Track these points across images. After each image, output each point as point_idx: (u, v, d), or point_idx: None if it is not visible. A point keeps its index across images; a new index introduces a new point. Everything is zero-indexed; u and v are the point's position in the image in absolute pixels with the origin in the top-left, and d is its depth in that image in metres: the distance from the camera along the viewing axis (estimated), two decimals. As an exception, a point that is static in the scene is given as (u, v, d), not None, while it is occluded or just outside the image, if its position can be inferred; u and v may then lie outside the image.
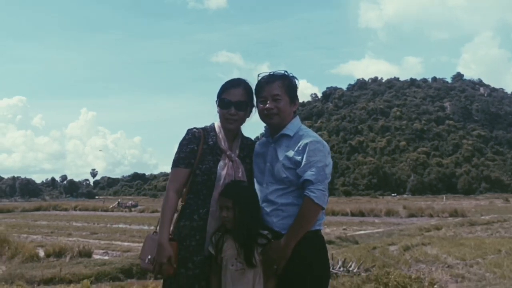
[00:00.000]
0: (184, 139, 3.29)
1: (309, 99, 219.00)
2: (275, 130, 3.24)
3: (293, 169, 3.05)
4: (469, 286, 8.92)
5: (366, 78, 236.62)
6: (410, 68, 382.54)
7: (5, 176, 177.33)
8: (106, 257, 13.24)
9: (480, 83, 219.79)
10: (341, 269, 9.99)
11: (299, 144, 3.08)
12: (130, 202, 58.67)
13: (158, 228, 3.24)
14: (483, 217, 29.84)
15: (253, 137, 3.55)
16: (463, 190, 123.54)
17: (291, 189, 3.08)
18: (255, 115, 3.33)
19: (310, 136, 3.13)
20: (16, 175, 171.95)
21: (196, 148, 3.23)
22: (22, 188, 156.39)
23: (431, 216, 32.85)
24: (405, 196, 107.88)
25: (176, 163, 3.25)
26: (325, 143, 3.15)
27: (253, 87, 3.31)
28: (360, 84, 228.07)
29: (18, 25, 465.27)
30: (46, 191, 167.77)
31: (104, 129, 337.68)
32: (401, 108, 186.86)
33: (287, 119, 3.22)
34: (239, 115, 3.26)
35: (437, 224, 23.69)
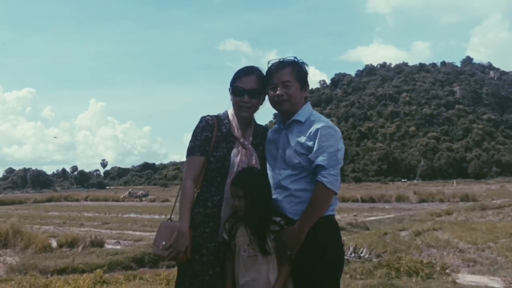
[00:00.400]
0: (197, 126, 3.28)
1: (318, 86, 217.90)
2: (286, 117, 3.24)
3: (305, 155, 3.05)
4: (481, 270, 8.91)
5: (375, 64, 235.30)
6: (418, 53, 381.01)
7: (17, 168, 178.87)
8: (118, 247, 13.34)
9: (489, 66, 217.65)
10: (353, 255, 10.02)
11: (310, 130, 3.08)
12: (140, 192, 58.93)
13: (172, 215, 3.26)
14: (494, 201, 29.73)
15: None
16: (474, 174, 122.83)
17: (303, 175, 3.07)
18: (267, 103, 3.32)
19: (321, 121, 3.12)
20: (27, 167, 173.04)
21: (210, 135, 3.23)
22: (34, 180, 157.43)
23: (442, 201, 32.78)
24: (415, 181, 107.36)
25: (191, 151, 3.24)
26: (336, 128, 3.14)
27: (264, 75, 3.31)
28: (369, 70, 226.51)
29: (26, 17, 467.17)
30: (57, 182, 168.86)
31: (113, 120, 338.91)
32: (410, 93, 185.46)
33: (298, 105, 3.21)
34: (252, 103, 3.25)
35: (448, 209, 23.66)
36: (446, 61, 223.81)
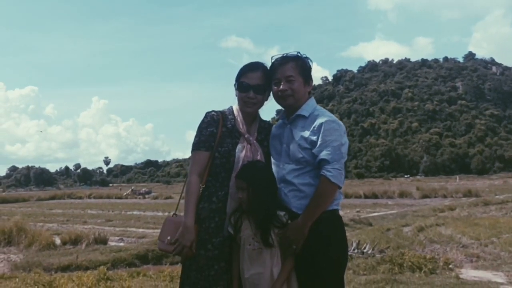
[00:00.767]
0: (203, 122, 3.29)
1: (320, 82, 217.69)
2: (290, 112, 3.24)
3: (309, 149, 3.05)
4: (484, 265, 8.91)
5: (377, 60, 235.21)
6: (421, 48, 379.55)
7: (20, 166, 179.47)
8: (122, 244, 13.37)
9: (492, 62, 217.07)
10: (356, 250, 10.03)
11: (314, 124, 3.08)
12: (143, 189, 59.04)
13: (177, 210, 3.28)
14: (497, 196, 29.71)
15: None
16: (477, 170, 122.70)
17: (307, 169, 3.07)
18: (272, 99, 3.33)
19: (325, 115, 3.12)
20: (30, 165, 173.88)
21: (215, 130, 3.24)
22: (37, 178, 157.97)
23: (444, 196, 32.78)
24: (418, 177, 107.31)
25: (196, 146, 3.25)
26: (340, 122, 3.15)
27: (268, 70, 3.31)
28: (371, 66, 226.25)
29: (28, 16, 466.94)
30: (60, 180, 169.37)
31: (116, 117, 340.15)
32: (412, 89, 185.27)
33: (302, 100, 3.21)
34: (257, 99, 3.26)
35: (451, 204, 23.66)
36: (448, 57, 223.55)
